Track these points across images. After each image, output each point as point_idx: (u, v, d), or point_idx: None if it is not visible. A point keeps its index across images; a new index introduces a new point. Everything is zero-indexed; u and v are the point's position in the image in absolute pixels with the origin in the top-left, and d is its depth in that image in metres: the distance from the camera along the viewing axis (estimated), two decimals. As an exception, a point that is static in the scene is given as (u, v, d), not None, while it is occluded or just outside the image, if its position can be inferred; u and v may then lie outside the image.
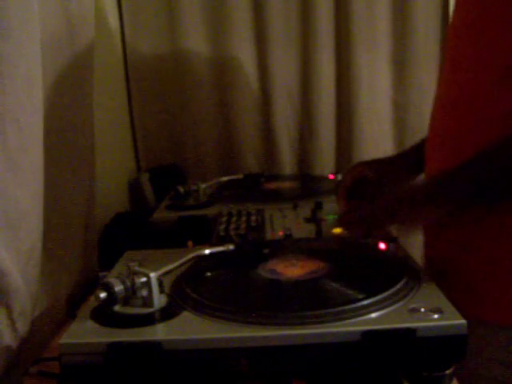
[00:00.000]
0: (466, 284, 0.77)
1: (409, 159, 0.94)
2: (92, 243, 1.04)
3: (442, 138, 0.80)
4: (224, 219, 0.96)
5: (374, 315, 0.55)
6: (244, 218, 0.96)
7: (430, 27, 1.43)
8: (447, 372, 0.54)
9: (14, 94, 0.64)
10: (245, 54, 1.44)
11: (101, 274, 0.98)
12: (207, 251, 0.70)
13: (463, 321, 0.53)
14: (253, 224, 0.92)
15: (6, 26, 0.62)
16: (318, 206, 0.98)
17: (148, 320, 0.57)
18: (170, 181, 1.30)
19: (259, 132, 1.51)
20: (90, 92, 0.99)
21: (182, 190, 1.12)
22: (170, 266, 0.64)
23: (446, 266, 0.82)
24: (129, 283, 0.59)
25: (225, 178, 1.22)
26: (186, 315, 0.58)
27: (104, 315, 0.59)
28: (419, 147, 0.90)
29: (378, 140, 1.47)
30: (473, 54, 0.73)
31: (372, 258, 0.74)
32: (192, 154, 1.50)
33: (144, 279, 0.59)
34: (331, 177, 1.26)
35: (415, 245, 1.07)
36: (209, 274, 0.70)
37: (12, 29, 0.63)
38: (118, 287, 0.58)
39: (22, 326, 0.70)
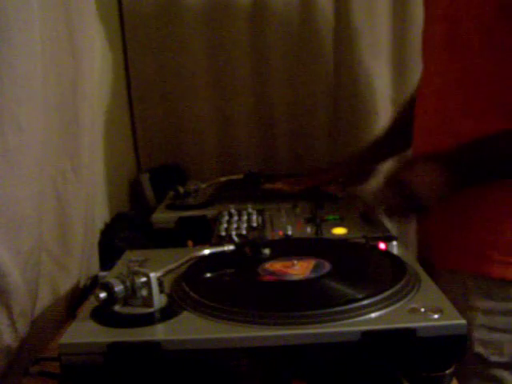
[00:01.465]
0: (455, 239, 0.86)
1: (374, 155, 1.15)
2: (92, 243, 1.04)
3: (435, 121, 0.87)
4: (224, 219, 0.96)
5: (373, 315, 0.55)
6: (244, 218, 0.96)
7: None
8: (447, 372, 0.54)
9: (13, 94, 0.64)
10: (244, 57, 1.44)
11: (101, 274, 0.98)
12: (207, 251, 0.70)
13: (463, 321, 0.53)
14: (253, 224, 0.92)
15: (5, 28, 0.62)
16: (318, 206, 0.98)
17: (148, 320, 0.57)
18: (170, 181, 1.30)
19: (259, 132, 1.51)
20: (90, 91, 0.99)
21: (181, 190, 1.12)
22: (170, 266, 0.64)
23: (435, 225, 0.90)
24: (129, 283, 0.59)
25: (225, 178, 1.22)
26: (186, 315, 0.58)
27: (104, 315, 0.59)
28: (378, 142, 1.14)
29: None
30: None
31: (372, 258, 0.74)
32: (192, 154, 1.50)
33: (144, 279, 0.59)
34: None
35: (415, 244, 1.07)
36: (209, 274, 0.70)
37: (11, 30, 0.63)
38: (118, 287, 0.58)
39: (22, 326, 0.70)
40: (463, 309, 0.63)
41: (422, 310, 0.55)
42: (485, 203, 0.82)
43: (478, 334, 0.82)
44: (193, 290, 0.62)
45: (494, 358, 0.82)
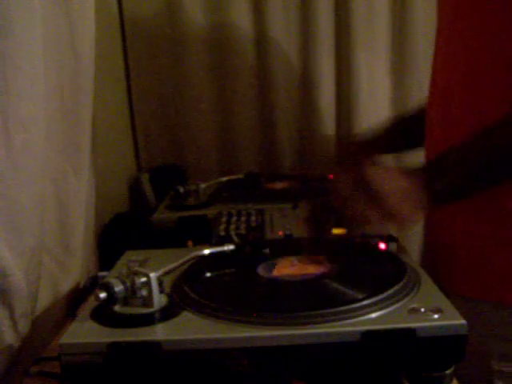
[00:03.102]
0: (471, 265, 0.79)
1: (383, 141, 1.01)
2: (92, 243, 1.04)
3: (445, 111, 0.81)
4: (224, 219, 0.96)
5: (374, 315, 0.55)
6: (244, 218, 0.96)
7: (430, 27, 1.42)
8: (447, 372, 0.54)
9: (17, 94, 0.64)
10: (245, 55, 1.44)
11: (101, 273, 0.98)
12: (207, 251, 0.70)
13: (463, 321, 0.53)
14: (253, 224, 0.92)
15: (8, 26, 0.62)
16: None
17: (148, 320, 0.57)
18: (170, 181, 1.30)
19: (259, 132, 1.51)
20: (91, 91, 0.99)
21: (181, 190, 1.12)
22: (170, 266, 0.64)
23: (448, 250, 0.83)
24: (129, 283, 0.59)
25: (225, 178, 1.22)
26: (186, 315, 0.58)
27: (104, 315, 0.59)
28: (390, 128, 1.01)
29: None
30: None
31: (372, 258, 0.74)
32: (192, 153, 1.50)
33: (144, 279, 0.59)
34: (331, 177, 1.26)
35: (415, 244, 1.07)
36: (209, 274, 0.70)
37: (14, 28, 0.63)
38: (118, 287, 0.58)
39: (24, 327, 0.70)
40: (481, 337, 0.57)
41: (422, 310, 0.55)
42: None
43: (497, 366, 0.76)
44: (193, 290, 0.62)
45: None
